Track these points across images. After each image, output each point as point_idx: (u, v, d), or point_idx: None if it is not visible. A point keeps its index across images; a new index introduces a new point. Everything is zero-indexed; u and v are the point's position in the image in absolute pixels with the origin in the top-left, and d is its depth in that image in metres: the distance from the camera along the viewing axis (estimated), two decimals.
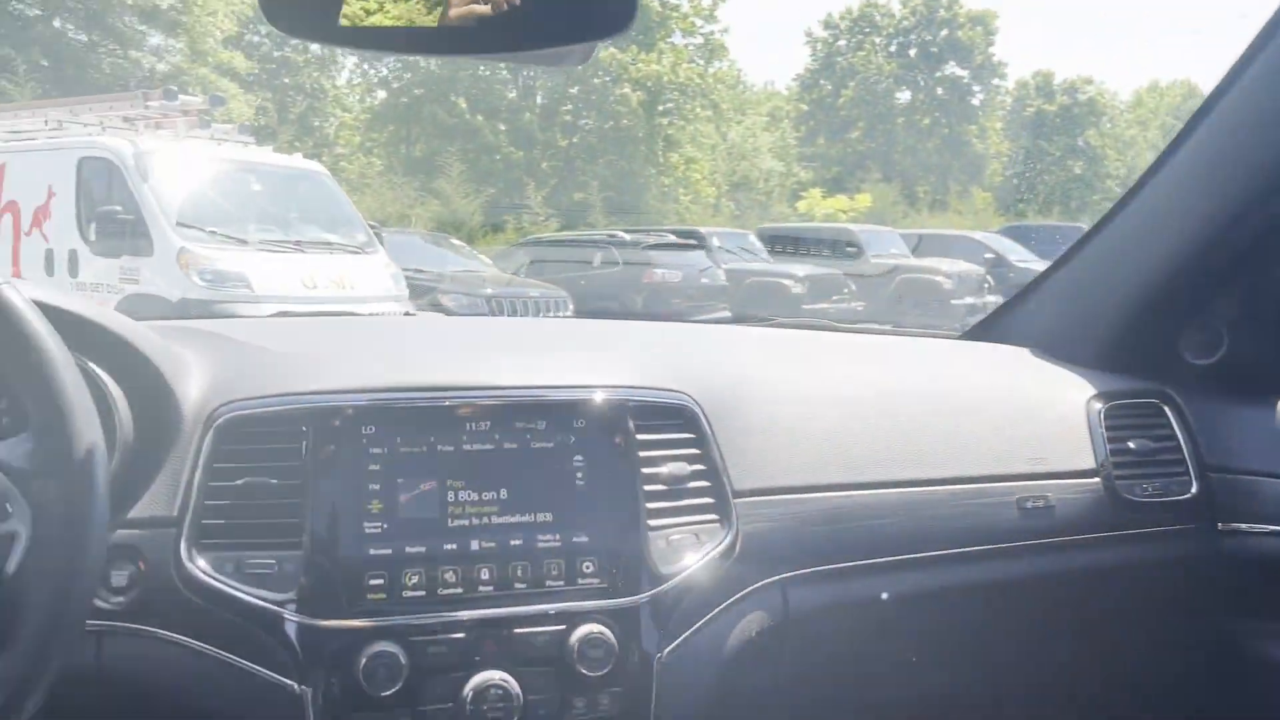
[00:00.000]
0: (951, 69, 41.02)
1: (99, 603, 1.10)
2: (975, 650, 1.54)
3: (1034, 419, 1.57)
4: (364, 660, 1.10)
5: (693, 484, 1.29)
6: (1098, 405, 1.60)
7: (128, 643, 1.12)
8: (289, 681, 1.11)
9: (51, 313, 1.14)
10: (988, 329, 2.05)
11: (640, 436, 1.27)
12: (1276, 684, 1.61)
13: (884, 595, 1.39)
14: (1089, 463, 1.55)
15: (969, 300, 12.85)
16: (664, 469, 1.27)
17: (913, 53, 40.70)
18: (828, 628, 1.40)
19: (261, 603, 1.11)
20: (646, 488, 1.24)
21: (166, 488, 1.15)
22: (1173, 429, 1.62)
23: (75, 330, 1.17)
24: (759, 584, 1.31)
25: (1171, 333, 1.70)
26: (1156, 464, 1.58)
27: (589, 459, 1.24)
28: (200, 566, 1.12)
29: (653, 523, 1.24)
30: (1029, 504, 1.49)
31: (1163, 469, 1.58)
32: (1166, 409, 1.64)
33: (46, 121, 8.88)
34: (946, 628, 1.49)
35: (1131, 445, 1.57)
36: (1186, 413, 1.64)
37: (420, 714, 1.12)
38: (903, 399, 1.53)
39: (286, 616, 1.11)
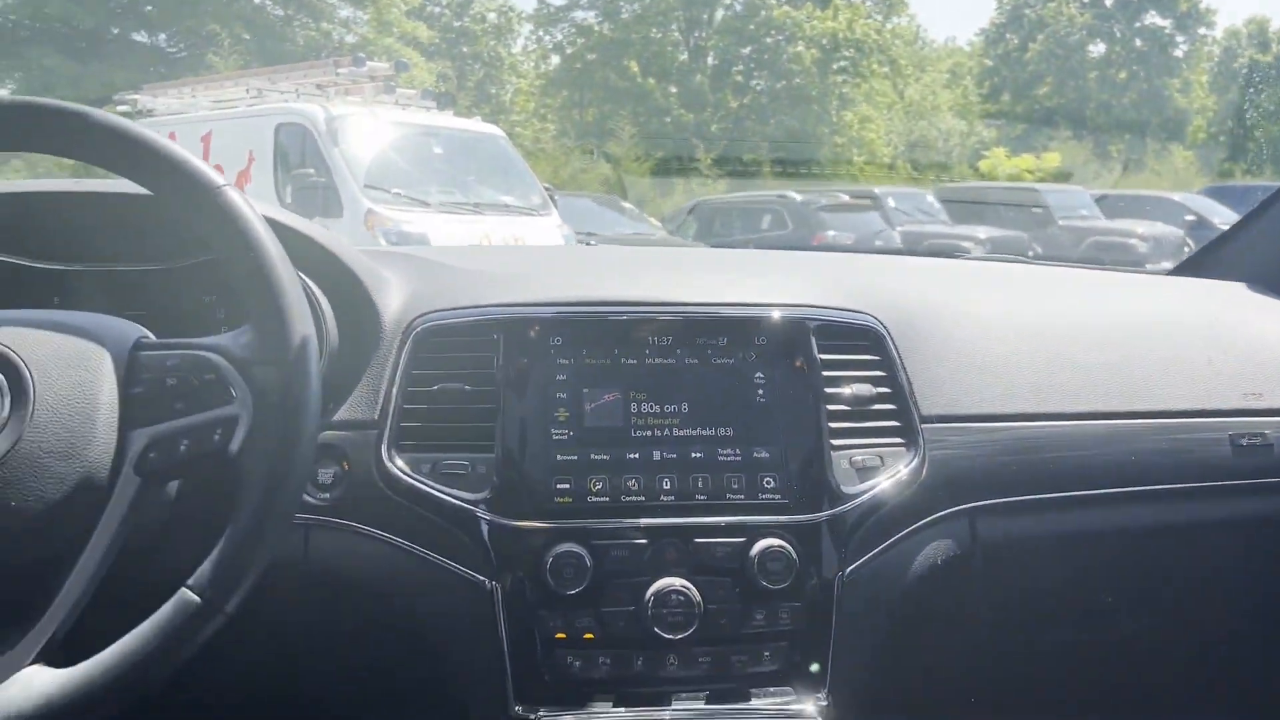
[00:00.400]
0: (1152, 19, 38.30)
1: (307, 498, 1.17)
2: (1176, 593, 1.46)
3: (1250, 353, 1.47)
4: (551, 559, 1.13)
5: (877, 406, 1.26)
6: None
7: (332, 536, 1.19)
8: (480, 577, 1.15)
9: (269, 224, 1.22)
10: (1197, 265, 1.92)
11: (823, 356, 1.25)
12: None
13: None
14: None
15: (1165, 266, 12.05)
16: (847, 389, 1.25)
17: (1109, 2, 38.23)
18: (1017, 560, 1.35)
19: (456, 502, 1.16)
20: (829, 407, 1.23)
21: (368, 393, 1.21)
22: None
23: (288, 242, 1.24)
24: (946, 511, 1.28)
25: None
26: None
27: (770, 376, 1.23)
28: (399, 466, 1.17)
29: (835, 442, 1.22)
30: (1244, 441, 1.39)
31: None
32: None
33: (248, 90, 9.44)
34: (1146, 568, 1.42)
35: None
36: None
37: (603, 614, 1.14)
38: (1105, 330, 1.46)
39: (479, 515, 1.15)
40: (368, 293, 1.26)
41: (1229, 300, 1.65)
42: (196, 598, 0.90)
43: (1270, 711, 1.65)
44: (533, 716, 1.15)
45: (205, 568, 0.91)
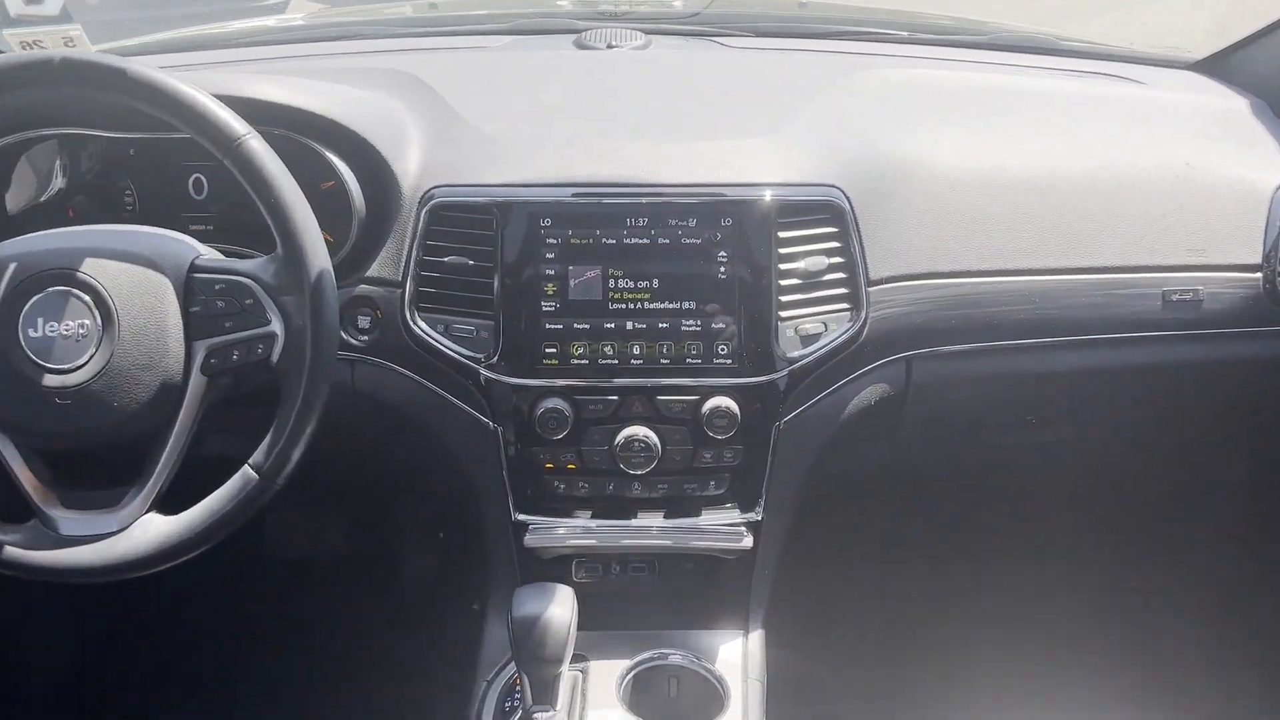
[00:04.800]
0: None
1: (350, 338, 1.44)
2: (1094, 426, 1.67)
3: (1206, 205, 1.53)
4: (540, 411, 1.41)
5: (828, 276, 1.42)
6: None
7: (372, 370, 1.47)
8: (484, 419, 1.45)
9: (284, 112, 1.40)
10: (1222, 61, 1.90)
11: (781, 234, 1.40)
12: None
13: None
14: (1254, 257, 1.53)
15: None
16: (800, 264, 1.41)
17: None
18: (947, 396, 1.56)
19: (463, 359, 1.42)
20: (781, 282, 1.40)
21: (393, 255, 1.43)
22: None
23: (308, 124, 1.42)
24: (881, 361, 1.48)
25: None
26: None
27: (731, 254, 1.40)
28: (419, 324, 1.43)
29: (784, 314, 1.41)
30: (1174, 296, 1.52)
31: None
32: None
33: None
34: (1070, 404, 1.62)
35: None
36: None
37: (582, 451, 1.44)
38: (1063, 178, 1.52)
39: (482, 372, 1.42)
40: (388, 164, 1.44)
41: (1217, 129, 1.67)
42: (255, 475, 1.22)
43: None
44: (529, 522, 1.49)
45: (260, 451, 1.22)
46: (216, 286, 1.23)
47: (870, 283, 1.44)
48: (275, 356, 1.22)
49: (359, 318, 1.42)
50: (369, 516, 2.28)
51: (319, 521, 2.28)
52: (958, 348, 1.51)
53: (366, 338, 1.43)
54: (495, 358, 1.41)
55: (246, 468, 1.21)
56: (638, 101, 1.63)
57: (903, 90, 1.67)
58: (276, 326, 1.22)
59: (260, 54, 1.87)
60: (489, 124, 1.51)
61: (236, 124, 1.21)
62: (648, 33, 1.88)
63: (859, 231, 1.43)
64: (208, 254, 1.27)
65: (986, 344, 1.51)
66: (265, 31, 2.11)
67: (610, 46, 1.82)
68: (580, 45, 1.83)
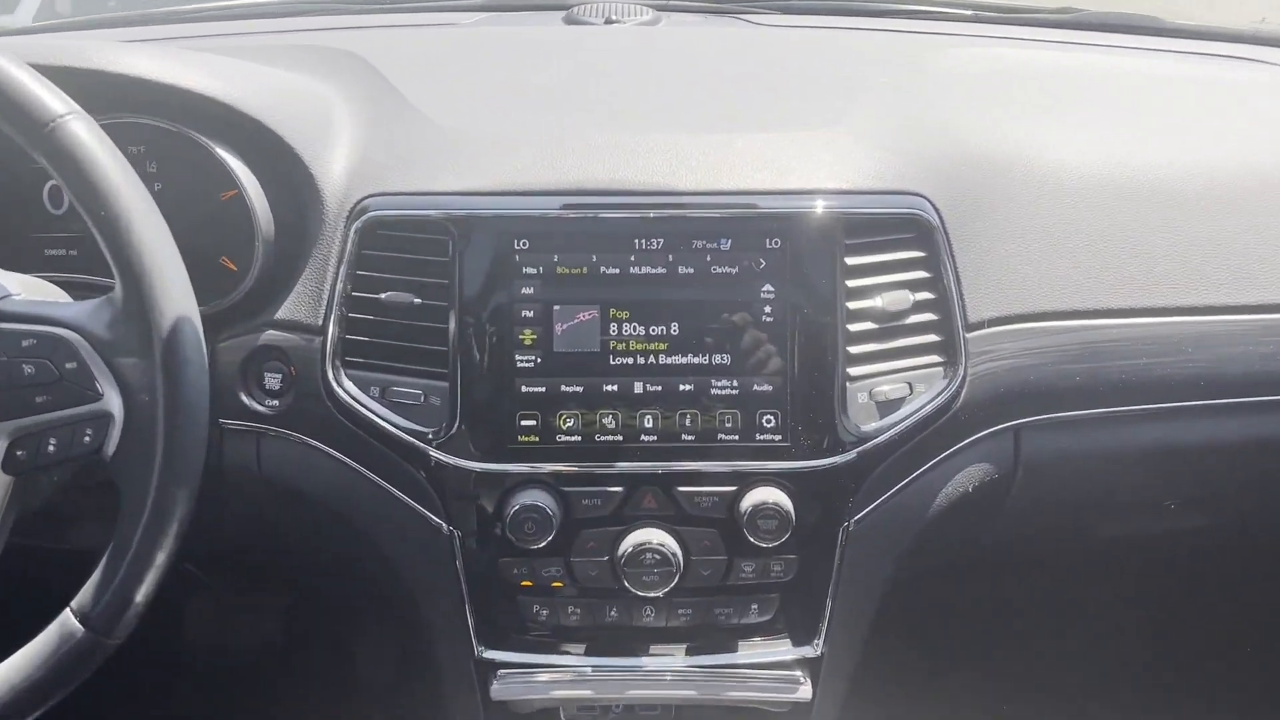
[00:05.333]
0: None
1: (255, 405, 1.06)
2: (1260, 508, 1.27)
3: None
4: (513, 509, 1.01)
5: (913, 318, 1.04)
6: None
7: (284, 447, 1.07)
8: (437, 520, 1.04)
9: (161, 94, 1.00)
10: None
11: (850, 260, 1.02)
12: None
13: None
14: None
15: None
16: (876, 301, 1.02)
17: None
18: (1065, 475, 1.16)
19: (406, 435, 1.03)
20: (850, 327, 1.01)
21: (311, 290, 1.05)
22: None
23: (199, 110, 1.03)
24: (985, 432, 1.09)
25: None
26: None
27: (781, 289, 1.01)
28: (345, 386, 1.03)
29: (855, 371, 1.02)
30: None
31: None
32: None
33: None
34: (1229, 485, 1.22)
35: None
36: None
37: (572, 567, 1.03)
38: (1219, 184, 1.15)
39: (432, 453, 1.02)
40: (305, 166, 1.06)
41: None
42: (80, 627, 0.80)
43: None
44: (499, 662, 1.08)
45: (89, 590, 0.81)
46: (24, 343, 0.82)
47: (969, 326, 1.06)
48: (111, 447, 0.82)
49: (266, 376, 1.06)
50: (308, 612, 1.84)
51: (250, 613, 1.85)
52: (1083, 413, 1.11)
53: (276, 403, 1.06)
54: (451, 433, 1.02)
55: (68, 614, 0.81)
56: (646, 87, 1.23)
57: (989, 74, 1.28)
58: (111, 402, 0.81)
59: (206, 30, 1.46)
60: (448, 114, 1.12)
61: (54, 102, 0.81)
62: (657, 8, 1.49)
63: (952, 257, 1.04)
64: (19, 294, 0.86)
65: (1122, 409, 1.11)
66: (226, 9, 1.67)
67: (609, 22, 1.42)
68: (571, 21, 1.43)
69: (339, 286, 1.03)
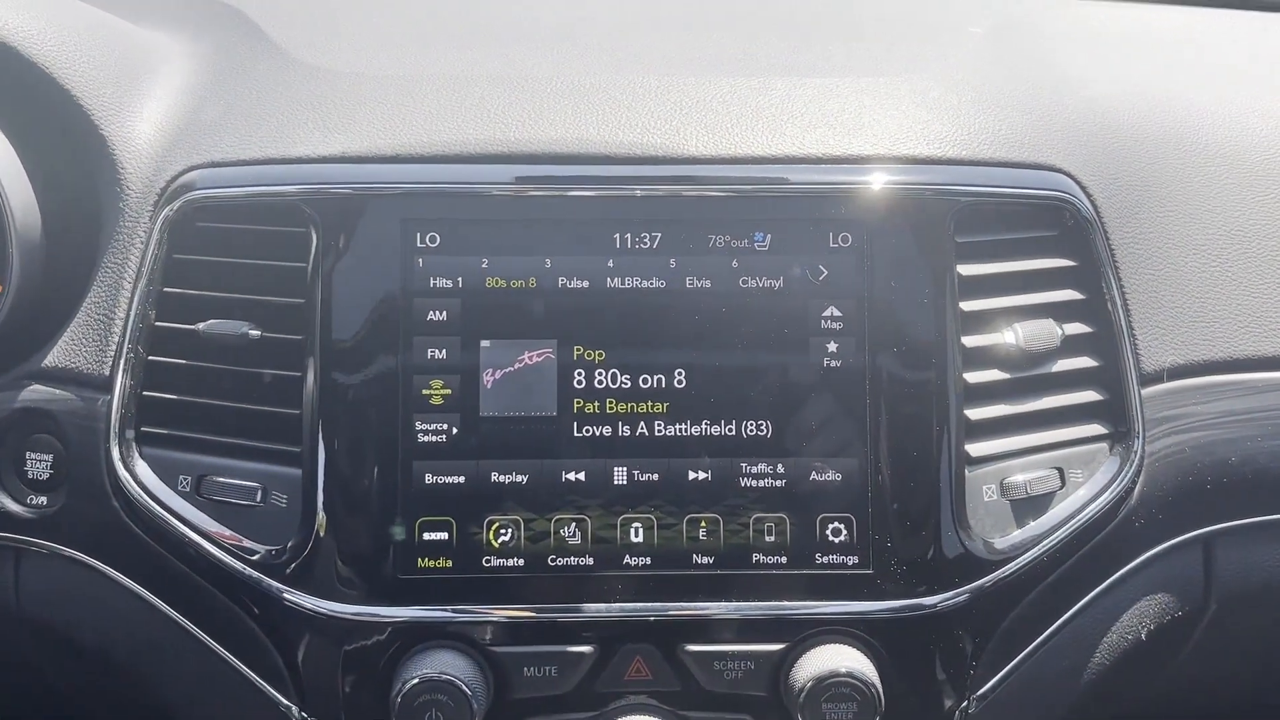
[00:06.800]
0: None
1: (10, 504, 0.72)
2: None
3: None
4: (408, 684, 0.62)
5: (1063, 364, 0.70)
6: None
7: (52, 570, 0.73)
8: (279, 697, 0.63)
9: None
10: None
11: (966, 270, 0.68)
12: None
13: None
14: None
15: None
16: (1007, 336, 0.67)
17: None
18: (1273, 611, 0.79)
19: (232, 559, 0.64)
20: (970, 377, 0.67)
21: (95, 321, 0.71)
22: None
23: None
24: (1164, 546, 0.74)
25: None
26: None
27: (855, 315, 0.66)
28: (138, 474, 0.69)
29: (976, 449, 0.68)
30: None
31: None
32: None
33: None
34: None
35: None
36: None
37: None
38: None
39: (274, 590, 0.63)
40: (95, 126, 0.75)
41: None
42: None
43: None
44: None
45: None
46: None
47: (1144, 379, 0.71)
48: None
49: (29, 458, 0.73)
50: None
51: None
52: None
53: (43, 500, 0.73)
54: (305, 554, 0.68)
55: None
56: (635, 13, 0.85)
57: (1111, 33, 0.92)
58: None
59: None
60: (324, 54, 0.74)
61: None
62: None
63: (1116, 268, 0.72)
64: None
65: None
66: None
67: None
68: None
69: (134, 312, 0.70)
